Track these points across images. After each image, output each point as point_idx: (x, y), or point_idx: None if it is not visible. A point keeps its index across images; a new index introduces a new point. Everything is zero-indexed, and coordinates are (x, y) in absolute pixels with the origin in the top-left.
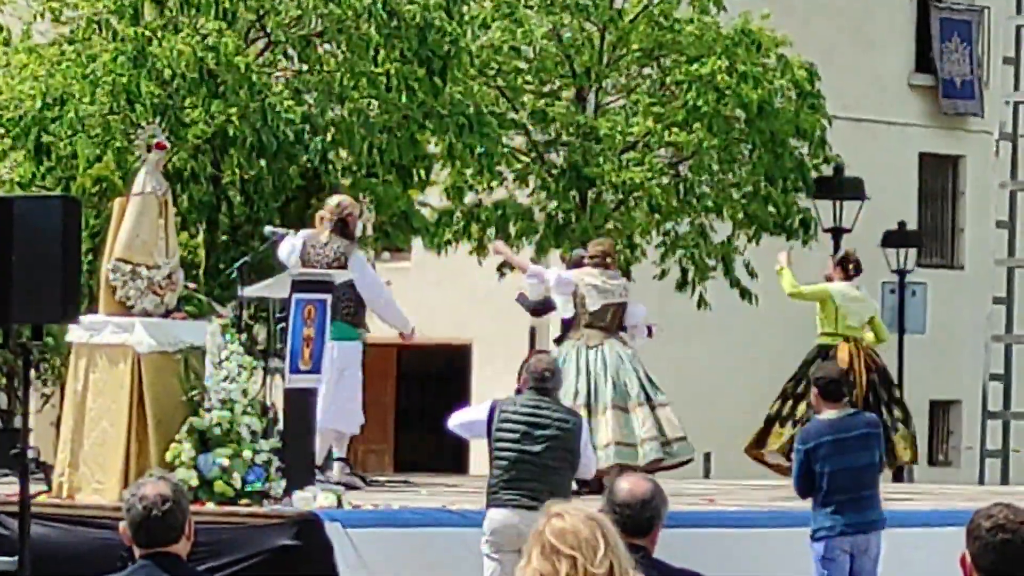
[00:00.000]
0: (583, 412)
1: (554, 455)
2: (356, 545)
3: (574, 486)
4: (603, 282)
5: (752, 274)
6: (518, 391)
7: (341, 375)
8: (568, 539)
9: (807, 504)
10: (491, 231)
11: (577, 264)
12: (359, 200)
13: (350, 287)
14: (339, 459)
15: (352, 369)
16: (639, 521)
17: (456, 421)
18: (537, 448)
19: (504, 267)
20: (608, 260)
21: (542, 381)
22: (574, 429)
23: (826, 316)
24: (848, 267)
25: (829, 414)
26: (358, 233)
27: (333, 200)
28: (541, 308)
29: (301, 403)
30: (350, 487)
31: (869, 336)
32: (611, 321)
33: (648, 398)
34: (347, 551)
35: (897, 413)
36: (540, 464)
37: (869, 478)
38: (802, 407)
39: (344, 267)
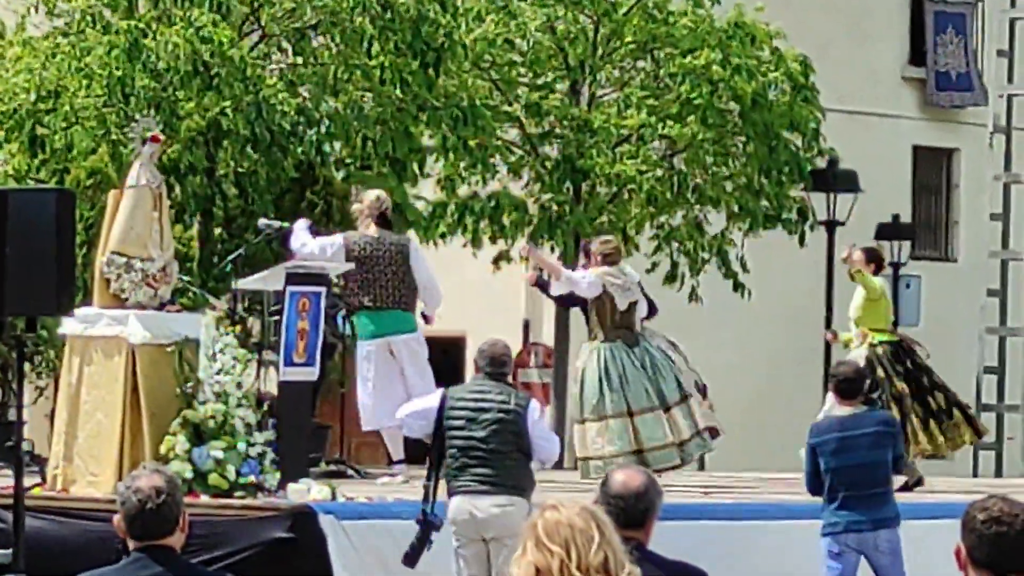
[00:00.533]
0: (657, 412)
1: (500, 439)
2: (350, 537)
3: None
4: (623, 280)
5: (744, 267)
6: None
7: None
8: (563, 531)
9: (802, 497)
10: (484, 223)
11: (586, 253)
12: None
13: (411, 275)
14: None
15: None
16: (633, 513)
17: (406, 411)
18: (482, 433)
19: (500, 260)
20: (619, 257)
21: (494, 365)
22: (520, 411)
23: (881, 312)
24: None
25: (842, 411)
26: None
27: (372, 194)
28: (567, 299)
29: (295, 396)
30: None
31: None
32: (635, 319)
33: (682, 395)
34: (342, 543)
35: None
36: (486, 449)
37: (880, 476)
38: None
39: (407, 259)
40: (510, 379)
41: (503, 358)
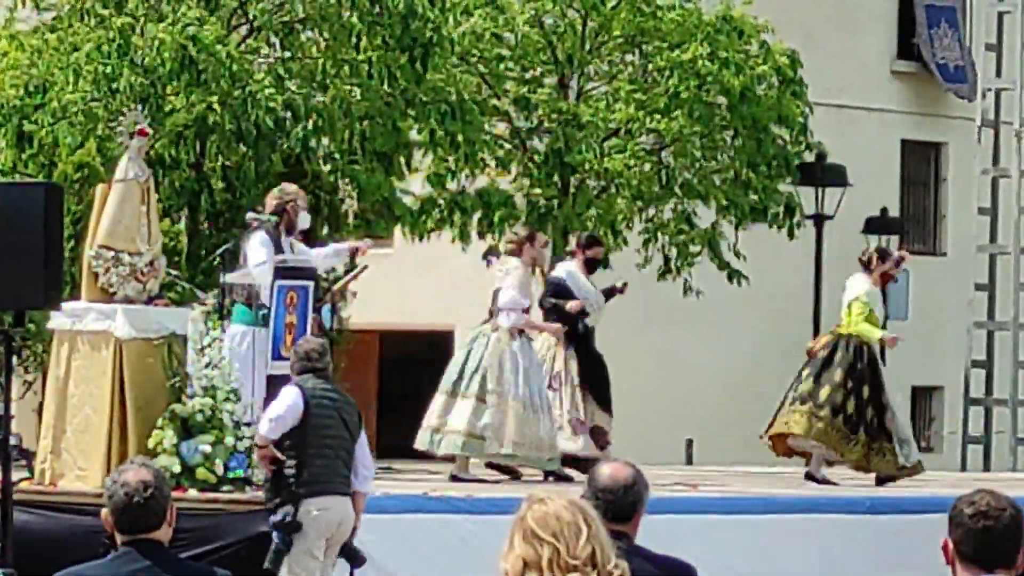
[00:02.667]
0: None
1: (354, 439)
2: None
3: None
4: (497, 270)
5: (738, 255)
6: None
7: None
8: (551, 524)
9: (791, 490)
10: (475, 219)
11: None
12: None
13: None
14: None
15: None
16: (622, 506)
17: (276, 412)
18: (346, 433)
19: (489, 255)
20: (511, 247)
21: (315, 361)
22: (360, 413)
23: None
24: (860, 260)
25: None
26: (302, 225)
27: (278, 188)
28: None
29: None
30: None
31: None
32: (492, 306)
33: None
34: None
35: (807, 388)
36: (348, 449)
37: None
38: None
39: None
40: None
41: (315, 352)
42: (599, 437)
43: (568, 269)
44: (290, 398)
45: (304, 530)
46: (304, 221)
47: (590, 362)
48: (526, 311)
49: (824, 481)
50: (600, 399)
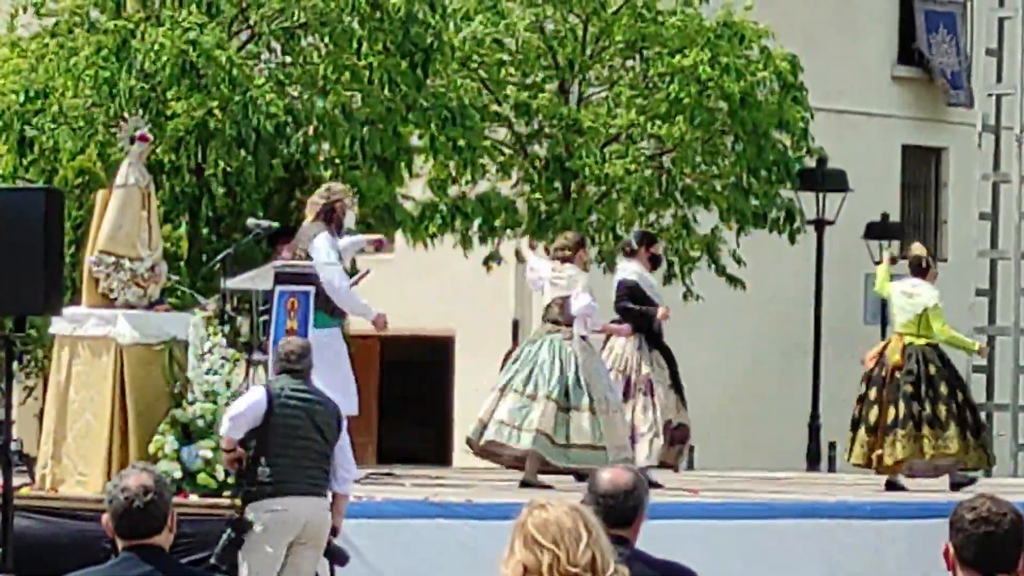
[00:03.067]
0: (524, 399)
1: (327, 440)
2: (340, 537)
3: None
4: (554, 276)
5: (739, 261)
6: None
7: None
8: (551, 530)
9: (792, 496)
10: (476, 224)
11: (623, 251)
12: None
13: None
14: None
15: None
16: (622, 512)
17: (236, 410)
18: (315, 434)
19: (491, 260)
20: (567, 253)
21: (293, 363)
22: (337, 413)
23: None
24: (911, 266)
25: None
26: (348, 224)
27: (323, 186)
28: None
29: None
30: None
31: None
32: (558, 314)
33: (565, 398)
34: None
35: (927, 410)
36: (319, 450)
37: None
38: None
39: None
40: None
41: (294, 354)
42: (686, 433)
43: (635, 270)
44: (252, 397)
45: (262, 529)
46: (350, 220)
47: (669, 359)
48: None
49: (902, 487)
50: (682, 397)
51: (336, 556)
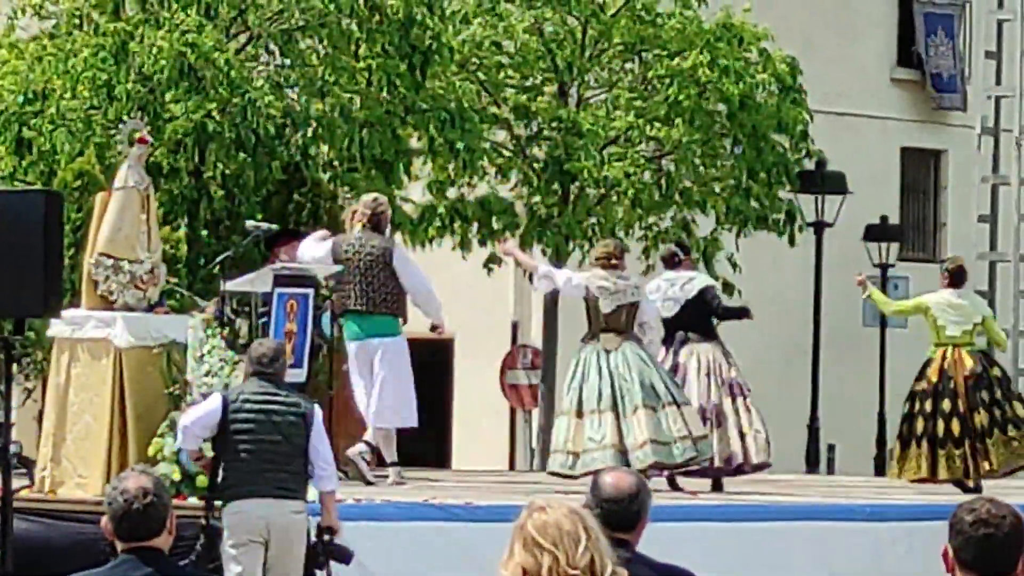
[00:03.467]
0: (609, 415)
1: (292, 443)
2: (340, 539)
3: None
4: (613, 283)
5: (735, 266)
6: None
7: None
8: (550, 533)
9: (790, 498)
10: (475, 226)
11: (666, 260)
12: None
13: (393, 280)
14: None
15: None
16: (626, 515)
17: (188, 420)
18: (276, 436)
19: (491, 262)
20: (614, 261)
21: (264, 366)
22: (307, 415)
23: (930, 328)
24: (953, 274)
25: None
26: (386, 231)
27: (367, 197)
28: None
29: None
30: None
31: (981, 342)
32: (626, 322)
33: (674, 398)
34: None
35: (1008, 412)
36: (280, 453)
37: None
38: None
39: (389, 263)
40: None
41: (264, 357)
42: None
43: (707, 277)
44: (206, 406)
45: (228, 534)
46: (388, 229)
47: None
48: None
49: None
50: None
51: (337, 555)
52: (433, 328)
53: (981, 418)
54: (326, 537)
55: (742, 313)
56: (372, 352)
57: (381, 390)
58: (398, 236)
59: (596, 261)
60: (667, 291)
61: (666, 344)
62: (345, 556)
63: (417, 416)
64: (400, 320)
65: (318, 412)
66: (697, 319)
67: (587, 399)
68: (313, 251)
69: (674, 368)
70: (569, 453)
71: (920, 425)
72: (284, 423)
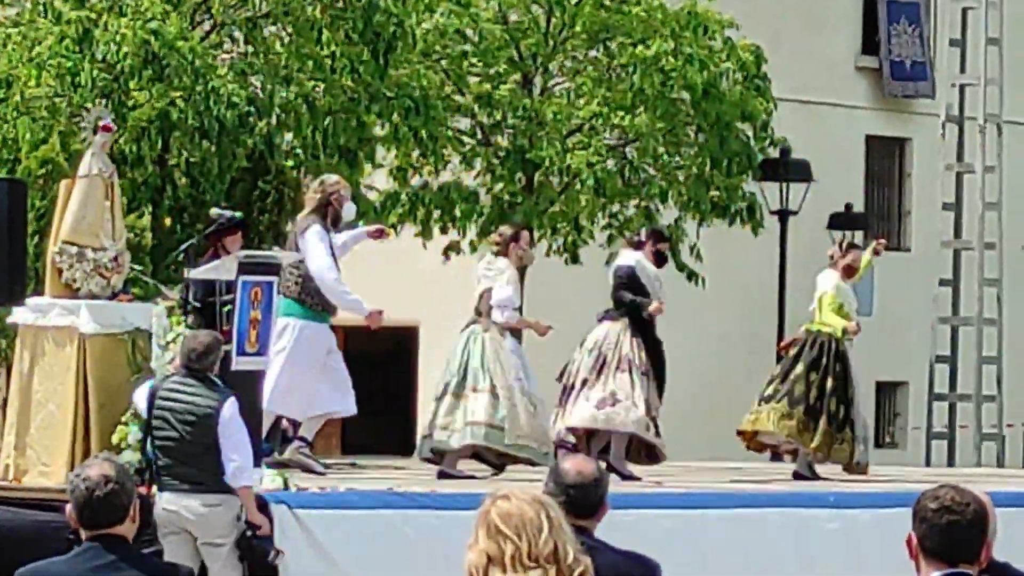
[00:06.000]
0: (449, 397)
1: (194, 438)
2: (303, 527)
3: None
4: (485, 270)
5: (698, 257)
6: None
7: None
8: (513, 521)
9: (755, 487)
10: (436, 214)
11: (631, 243)
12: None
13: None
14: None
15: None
16: (588, 502)
17: (138, 401)
18: (176, 433)
19: (450, 250)
20: (497, 248)
21: (192, 361)
22: (213, 414)
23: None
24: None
25: None
26: (347, 216)
27: (317, 179)
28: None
29: (247, 385)
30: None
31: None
32: (481, 306)
33: (482, 385)
34: (293, 533)
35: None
36: (183, 448)
37: None
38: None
39: (297, 244)
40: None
41: (194, 352)
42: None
43: (636, 258)
44: (139, 394)
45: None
46: (348, 212)
47: (655, 350)
48: (517, 309)
49: (815, 476)
50: (660, 387)
51: (250, 553)
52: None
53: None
54: (248, 533)
55: (637, 304)
56: (279, 333)
57: (278, 373)
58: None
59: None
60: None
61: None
62: (262, 554)
63: (302, 409)
64: (318, 308)
65: (227, 409)
66: (613, 297)
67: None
68: None
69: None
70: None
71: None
72: (183, 421)
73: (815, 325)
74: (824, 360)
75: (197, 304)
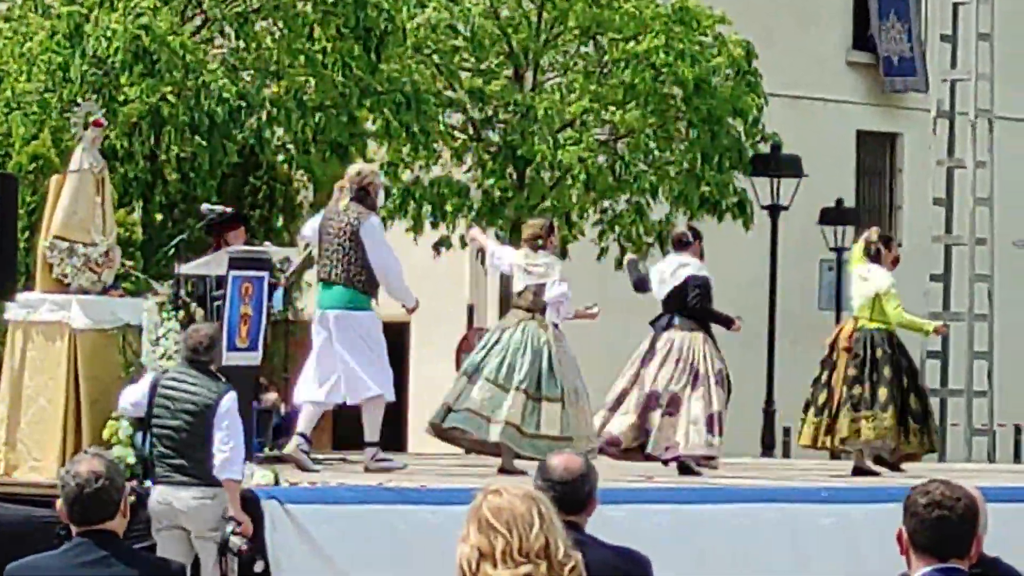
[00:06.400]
0: (495, 388)
1: (192, 430)
2: (294, 522)
3: None
4: (526, 263)
5: None
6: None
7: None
8: (504, 515)
9: (747, 481)
10: (427, 208)
11: (673, 242)
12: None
13: (358, 252)
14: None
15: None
16: (576, 497)
17: (124, 401)
18: (174, 422)
19: (441, 245)
20: (540, 241)
21: (197, 353)
22: (212, 405)
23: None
24: (868, 249)
25: None
26: (380, 203)
27: (353, 169)
28: (640, 286)
29: (238, 380)
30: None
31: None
32: (533, 302)
33: (528, 387)
34: (284, 528)
35: (865, 392)
36: (180, 440)
37: None
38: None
39: (357, 234)
40: (214, 366)
41: (200, 345)
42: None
43: (700, 266)
44: (138, 386)
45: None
46: (382, 198)
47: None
48: None
49: (871, 472)
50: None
51: (225, 548)
52: (407, 309)
53: (841, 393)
54: (228, 528)
55: (723, 320)
56: (327, 324)
57: (344, 365)
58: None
59: (524, 241)
60: (663, 273)
61: (653, 326)
62: (226, 549)
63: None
64: (361, 293)
65: (226, 402)
66: (682, 306)
67: (480, 365)
68: (308, 228)
69: (650, 351)
70: (445, 405)
71: (810, 393)
72: (183, 411)
73: (872, 323)
74: (902, 361)
75: (188, 299)
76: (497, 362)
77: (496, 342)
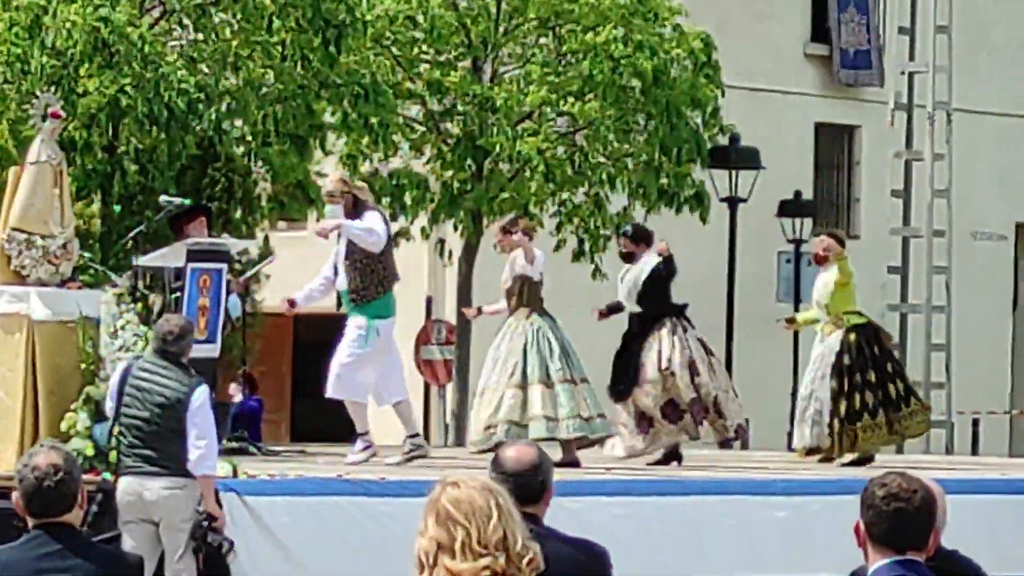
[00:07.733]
0: (514, 389)
1: (163, 422)
2: (252, 514)
3: None
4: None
5: None
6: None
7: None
8: (463, 508)
9: (703, 474)
10: (386, 201)
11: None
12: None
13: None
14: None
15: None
16: (531, 489)
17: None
18: (145, 413)
19: (399, 237)
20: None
21: (167, 344)
22: (184, 400)
23: (851, 295)
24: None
25: None
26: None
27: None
28: (617, 308)
29: (197, 373)
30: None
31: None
32: (520, 292)
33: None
34: (243, 520)
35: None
36: (149, 431)
37: None
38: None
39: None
40: (185, 357)
41: (169, 335)
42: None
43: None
44: (114, 375)
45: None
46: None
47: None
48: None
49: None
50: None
51: (204, 542)
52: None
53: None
54: (204, 523)
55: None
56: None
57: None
58: (311, 212)
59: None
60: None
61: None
62: (217, 546)
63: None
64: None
65: (198, 395)
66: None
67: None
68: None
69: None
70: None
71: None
72: (154, 403)
73: (855, 319)
74: (871, 350)
75: (146, 291)
76: (537, 361)
77: (523, 344)
